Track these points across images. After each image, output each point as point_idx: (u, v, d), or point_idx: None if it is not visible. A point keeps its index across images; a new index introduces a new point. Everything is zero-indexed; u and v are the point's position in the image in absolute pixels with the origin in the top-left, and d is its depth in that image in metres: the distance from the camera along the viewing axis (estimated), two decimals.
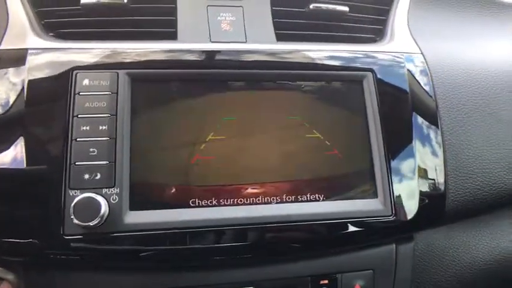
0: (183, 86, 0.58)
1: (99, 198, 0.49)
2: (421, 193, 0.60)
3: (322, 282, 0.60)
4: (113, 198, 0.51)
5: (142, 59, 0.57)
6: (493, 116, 0.68)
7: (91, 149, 0.52)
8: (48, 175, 0.51)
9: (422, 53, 0.68)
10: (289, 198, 0.56)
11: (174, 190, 0.54)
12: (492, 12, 0.82)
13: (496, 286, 0.76)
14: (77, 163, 0.51)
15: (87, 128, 0.53)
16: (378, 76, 0.63)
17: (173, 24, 0.63)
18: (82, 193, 0.50)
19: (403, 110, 0.63)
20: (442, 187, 0.62)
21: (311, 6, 0.67)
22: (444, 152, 0.64)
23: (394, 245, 0.64)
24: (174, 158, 0.55)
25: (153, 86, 0.57)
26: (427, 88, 0.66)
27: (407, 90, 0.64)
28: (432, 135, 0.64)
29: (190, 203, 0.54)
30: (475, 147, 0.66)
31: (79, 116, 0.53)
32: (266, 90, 0.61)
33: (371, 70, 0.63)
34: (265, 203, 0.56)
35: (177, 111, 0.57)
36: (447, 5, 0.79)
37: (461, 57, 0.71)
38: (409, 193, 0.60)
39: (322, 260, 0.61)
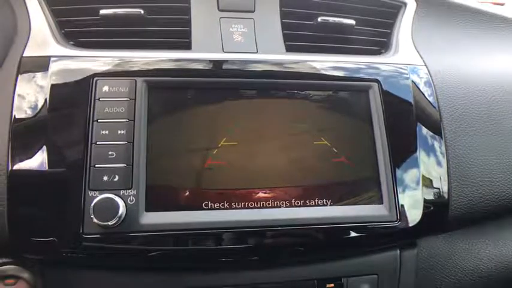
0: (197, 94, 0.60)
1: (117, 199, 0.52)
2: (425, 200, 0.62)
3: (328, 286, 0.62)
4: (130, 200, 0.53)
5: (159, 67, 0.60)
6: (495, 127, 0.71)
7: (110, 152, 0.54)
8: (69, 177, 0.53)
9: (426, 65, 0.71)
10: (297, 203, 0.58)
11: (187, 193, 0.56)
12: (495, 27, 0.85)
13: None
14: (96, 165, 0.54)
15: (107, 132, 0.55)
16: (384, 86, 0.65)
17: (187, 34, 0.66)
18: (101, 194, 0.52)
19: (408, 119, 0.66)
20: (445, 195, 0.64)
21: (319, 19, 0.70)
22: (447, 161, 0.66)
23: (398, 251, 0.66)
24: (188, 162, 0.57)
25: (168, 93, 0.59)
26: (430, 99, 0.68)
27: (412, 100, 0.66)
28: (436, 144, 0.66)
29: (203, 205, 0.56)
30: (478, 156, 0.68)
31: (99, 120, 0.55)
32: (276, 99, 0.63)
33: (377, 81, 0.66)
34: (274, 207, 0.58)
35: (191, 117, 0.59)
36: (450, 19, 0.82)
37: (464, 69, 0.74)
38: (413, 200, 0.62)
39: (328, 264, 0.63)
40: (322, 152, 0.61)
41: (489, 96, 0.72)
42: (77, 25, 0.65)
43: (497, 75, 0.76)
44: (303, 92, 0.64)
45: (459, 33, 0.81)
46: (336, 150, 0.61)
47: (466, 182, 0.67)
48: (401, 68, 0.69)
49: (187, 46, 0.65)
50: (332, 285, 0.62)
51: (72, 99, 0.56)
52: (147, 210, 0.54)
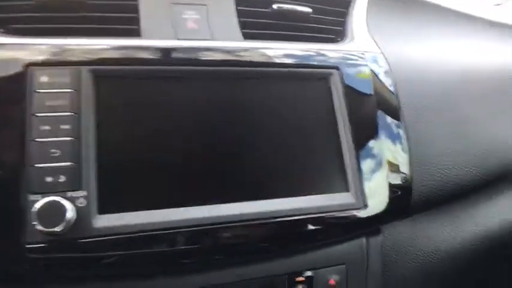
0: (149, 84, 0.55)
1: (65, 201, 0.46)
2: (390, 186, 0.62)
3: (298, 279, 0.60)
4: (79, 202, 0.47)
5: (105, 55, 0.54)
6: (452, 113, 0.72)
7: (52, 150, 0.48)
8: (5, 179, 0.46)
9: (382, 53, 0.71)
10: (261, 196, 0.56)
11: (144, 192, 0.51)
12: (450, 14, 0.88)
13: (460, 274, 0.80)
14: (36, 165, 0.47)
15: (47, 127, 0.49)
16: (343, 73, 0.64)
17: (135, 21, 0.61)
18: (44, 197, 0.46)
19: (369, 106, 0.65)
20: (408, 180, 0.65)
21: (274, 7, 0.68)
22: (409, 147, 0.66)
23: (364, 239, 0.65)
24: (142, 158, 0.52)
25: (117, 83, 0.54)
26: (389, 86, 0.68)
27: (372, 87, 0.66)
28: (397, 131, 0.66)
29: (161, 204, 0.51)
30: (437, 142, 0.70)
31: (37, 114, 0.49)
32: (233, 88, 0.60)
33: (336, 68, 0.64)
34: (237, 201, 0.54)
35: (143, 109, 0.54)
36: (405, 6, 0.83)
37: (420, 56, 0.75)
38: (379, 186, 0.61)
39: (296, 258, 0.61)
40: (284, 142, 0.59)
41: (445, 83, 0.74)
42: (9, 10, 0.57)
43: (453, 63, 0.78)
44: (262, 80, 0.61)
45: (414, 21, 0.83)
46: (298, 140, 0.59)
47: (427, 166, 0.68)
48: (359, 56, 0.68)
49: (136, 33, 0.60)
50: (302, 278, 0.60)
51: (5, 92, 0.49)
52: (100, 212, 0.48)
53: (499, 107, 0.80)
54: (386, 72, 0.69)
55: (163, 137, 0.54)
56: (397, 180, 0.63)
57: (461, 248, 0.75)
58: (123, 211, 0.50)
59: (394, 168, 0.63)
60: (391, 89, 0.68)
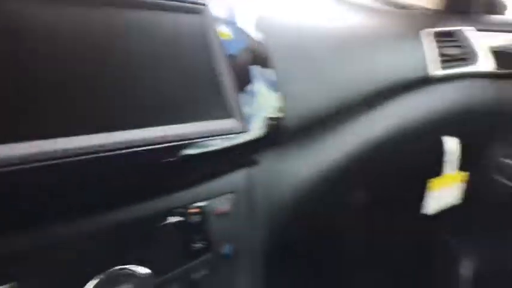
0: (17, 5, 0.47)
1: None
2: (266, 118, 0.68)
3: (191, 211, 0.60)
4: None
5: None
6: (310, 60, 0.83)
7: None
8: None
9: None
10: (148, 123, 0.54)
11: (26, 121, 0.45)
12: None
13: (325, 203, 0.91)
14: None
15: None
16: (213, 13, 0.66)
17: None
18: None
19: (239, 44, 0.69)
20: (280, 110, 0.72)
21: None
22: (279, 84, 0.73)
23: (246, 169, 0.69)
24: (25, 85, 0.45)
25: None
26: (258, 37, 0.74)
27: (242, 31, 0.70)
28: (267, 73, 0.72)
29: (43, 134, 0.45)
30: (302, 81, 0.80)
31: None
32: (104, 15, 0.54)
33: (204, 4, 0.66)
34: (122, 129, 0.51)
35: (12, 32, 0.46)
36: None
37: (282, 15, 0.85)
38: (256, 115, 0.66)
39: (187, 190, 0.60)
40: (164, 72, 0.57)
41: (303, 38, 0.84)
42: None
43: (310, 23, 0.89)
44: (133, 10, 0.58)
45: None
46: (178, 70, 0.59)
47: (293, 100, 0.76)
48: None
49: None
50: (195, 210, 0.60)
51: None
52: None
53: (345, 60, 0.93)
54: (256, 24, 0.74)
55: (36, 63, 0.47)
56: (271, 112, 0.70)
57: (318, 178, 0.85)
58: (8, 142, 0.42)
59: (267, 101, 0.70)
60: (260, 39, 0.74)
